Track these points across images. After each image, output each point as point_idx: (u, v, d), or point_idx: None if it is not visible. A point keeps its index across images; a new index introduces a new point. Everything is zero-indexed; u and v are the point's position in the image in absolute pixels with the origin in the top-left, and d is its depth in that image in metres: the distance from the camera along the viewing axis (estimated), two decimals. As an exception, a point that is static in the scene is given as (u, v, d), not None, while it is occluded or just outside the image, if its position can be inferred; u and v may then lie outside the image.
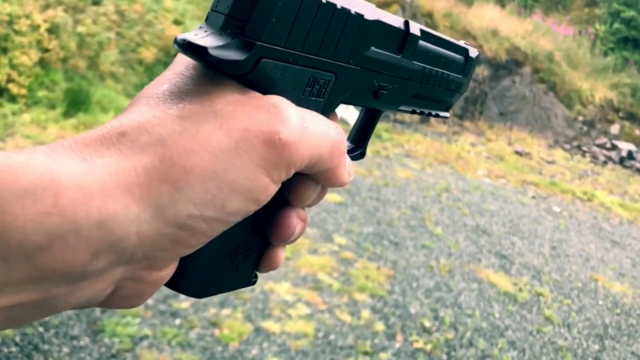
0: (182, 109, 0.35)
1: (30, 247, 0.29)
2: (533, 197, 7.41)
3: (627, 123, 12.33)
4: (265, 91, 0.38)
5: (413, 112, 0.56)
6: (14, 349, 2.59)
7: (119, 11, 7.81)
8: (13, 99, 5.93)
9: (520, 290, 4.40)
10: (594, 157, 11.01)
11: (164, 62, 8.08)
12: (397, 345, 3.27)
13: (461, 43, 0.60)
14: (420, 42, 0.50)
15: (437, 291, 4.05)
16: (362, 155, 0.56)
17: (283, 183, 0.38)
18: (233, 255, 0.44)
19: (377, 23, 0.44)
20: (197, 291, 0.42)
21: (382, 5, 10.71)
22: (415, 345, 3.30)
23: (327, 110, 0.45)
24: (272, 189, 0.36)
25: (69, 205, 0.29)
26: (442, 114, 0.61)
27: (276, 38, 0.36)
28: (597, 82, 12.71)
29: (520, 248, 5.35)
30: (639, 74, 13.41)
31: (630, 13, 14.30)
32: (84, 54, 7.01)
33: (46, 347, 2.63)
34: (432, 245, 4.87)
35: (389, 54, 0.47)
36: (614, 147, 11.49)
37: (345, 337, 3.23)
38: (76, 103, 6.21)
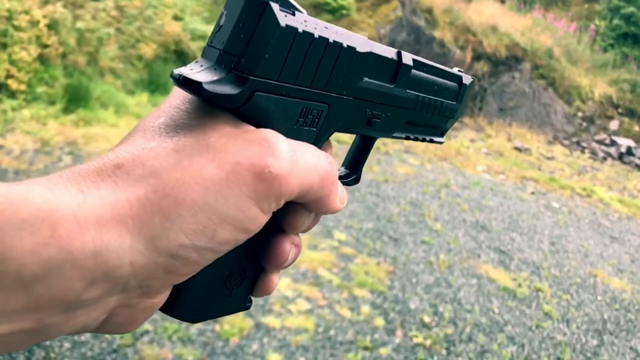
0: (176, 142, 0.36)
1: (27, 277, 0.30)
2: (532, 193, 7.42)
3: (626, 119, 12.33)
4: (258, 123, 0.39)
5: (407, 138, 0.57)
6: (15, 344, 2.60)
7: (119, 7, 7.80)
8: (12, 94, 5.93)
9: (520, 285, 4.41)
10: (593, 153, 11.02)
11: (164, 57, 8.07)
12: (397, 340, 3.28)
13: (455, 70, 0.61)
14: (413, 71, 0.51)
15: (436, 287, 4.06)
16: (356, 180, 0.56)
17: (276, 211, 0.39)
18: (227, 281, 0.45)
19: (370, 55, 0.45)
20: (191, 316, 0.43)
21: (382, 2, 10.70)
22: (415, 340, 3.31)
23: (320, 140, 0.46)
24: (263, 219, 0.37)
25: (66, 236, 0.30)
26: (436, 139, 0.62)
27: (269, 72, 0.37)
28: (596, 78, 12.70)
29: (520, 244, 5.37)
30: (639, 70, 13.40)
31: (630, 9, 14.28)
32: (83, 50, 7.00)
33: (47, 342, 2.64)
34: (432, 241, 4.88)
35: (382, 83, 0.48)
36: (613, 143, 11.49)
37: (345, 332, 3.24)
38: (76, 99, 6.20)
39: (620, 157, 11.01)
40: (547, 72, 12.14)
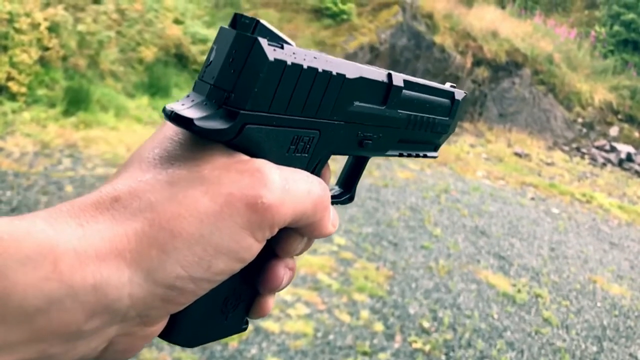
0: (171, 175, 0.36)
1: (30, 311, 0.30)
2: (532, 199, 7.42)
3: (626, 125, 12.34)
4: (250, 153, 0.39)
5: (400, 155, 0.58)
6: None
7: (120, 10, 7.81)
8: (13, 97, 5.93)
9: (519, 291, 4.41)
10: (593, 159, 11.02)
11: (164, 61, 8.08)
12: (396, 345, 3.27)
13: (447, 86, 0.61)
14: (405, 92, 0.52)
15: (436, 292, 4.06)
16: (350, 199, 0.57)
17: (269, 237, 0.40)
18: (223, 306, 0.45)
19: (360, 80, 0.46)
20: (189, 341, 0.44)
21: (383, 7, 10.72)
22: (414, 345, 3.31)
23: (312, 164, 0.46)
24: (257, 247, 0.38)
25: (67, 271, 0.31)
26: (430, 154, 0.63)
27: (259, 105, 0.38)
28: (596, 84, 12.72)
29: (519, 249, 5.36)
30: (639, 76, 13.41)
31: (630, 16, 14.32)
32: (84, 53, 7.00)
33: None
34: (431, 246, 4.88)
35: (373, 106, 0.49)
36: (613, 149, 11.50)
37: (344, 337, 3.23)
38: (76, 101, 6.21)
39: (620, 163, 11.01)
40: (548, 78, 12.15)
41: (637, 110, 12.57)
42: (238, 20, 0.37)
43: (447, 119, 0.61)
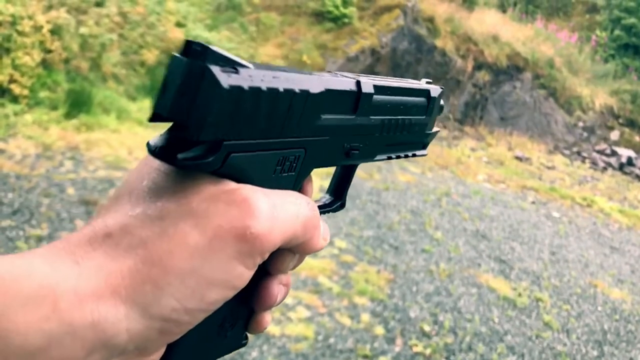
0: (160, 209, 0.37)
1: (31, 350, 0.31)
2: (533, 203, 7.42)
3: (627, 129, 12.34)
4: (237, 179, 0.40)
5: (389, 158, 0.58)
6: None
7: (122, 13, 7.83)
8: (15, 99, 5.95)
9: (520, 295, 4.41)
10: (594, 163, 11.02)
11: (166, 64, 8.09)
12: (397, 349, 3.27)
13: (422, 83, 0.61)
14: (375, 97, 0.51)
15: (436, 295, 4.06)
16: (342, 206, 0.57)
17: None
18: (220, 327, 0.46)
19: (326, 93, 0.45)
20: None
21: (384, 10, 10.75)
22: (415, 349, 3.31)
23: (300, 181, 0.47)
24: (248, 274, 0.39)
25: (66, 310, 0.32)
26: (419, 153, 0.63)
27: (222, 132, 0.38)
28: (597, 89, 12.73)
29: (520, 253, 5.36)
30: (639, 80, 13.43)
31: (631, 20, 14.34)
32: (86, 55, 7.02)
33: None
34: (432, 250, 4.88)
35: (343, 116, 0.49)
36: (613, 153, 11.50)
37: (345, 340, 3.23)
38: (78, 104, 6.22)
39: (621, 167, 11.02)
40: (548, 82, 12.17)
41: (637, 114, 12.58)
42: (189, 48, 0.37)
43: (424, 117, 0.60)
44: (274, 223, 0.39)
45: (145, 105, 7.14)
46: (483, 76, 11.72)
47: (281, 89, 0.40)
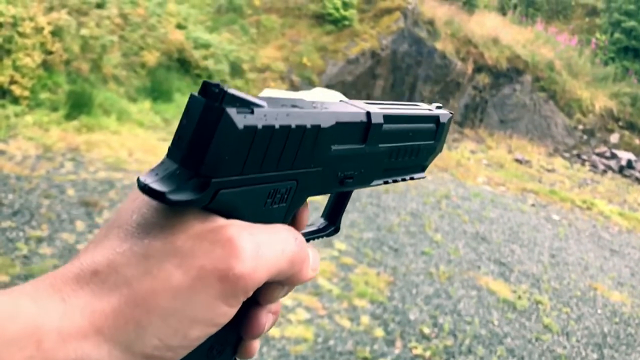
0: (147, 246, 0.38)
1: None
2: (532, 205, 7.42)
3: (626, 132, 12.35)
4: (226, 214, 0.40)
5: (385, 182, 0.58)
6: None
7: (123, 14, 7.84)
8: (16, 100, 5.95)
9: (520, 298, 4.41)
10: (594, 166, 11.03)
11: (167, 65, 8.10)
12: (396, 351, 3.27)
13: (433, 108, 0.61)
14: (385, 126, 0.52)
15: (436, 298, 4.06)
16: (336, 231, 0.58)
17: None
18: (208, 353, 0.46)
19: (336, 126, 0.46)
20: None
21: (384, 13, 10.76)
22: (415, 351, 3.31)
23: (292, 210, 0.47)
24: (232, 312, 0.40)
25: (50, 349, 0.33)
26: (416, 176, 0.63)
27: (231, 171, 0.39)
28: (597, 91, 12.74)
29: (520, 256, 5.36)
30: (639, 83, 13.44)
31: (631, 23, 14.35)
32: (87, 57, 7.03)
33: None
34: (432, 252, 4.88)
35: (352, 146, 0.50)
36: (613, 156, 11.51)
37: (344, 342, 3.23)
38: (78, 105, 6.23)
39: (621, 170, 11.02)
40: (548, 85, 12.18)
41: (637, 117, 12.59)
42: (207, 89, 0.38)
43: (432, 142, 0.61)
44: (258, 262, 0.39)
45: (145, 107, 7.15)
46: (483, 79, 11.73)
47: (293, 126, 0.42)
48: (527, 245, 5.71)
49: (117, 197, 4.52)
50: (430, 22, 11.51)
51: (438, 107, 0.62)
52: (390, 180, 0.58)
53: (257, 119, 0.39)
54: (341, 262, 4.26)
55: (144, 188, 0.37)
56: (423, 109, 0.60)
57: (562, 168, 10.41)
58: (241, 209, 0.41)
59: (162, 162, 0.39)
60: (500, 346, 3.60)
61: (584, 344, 3.93)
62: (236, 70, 9.03)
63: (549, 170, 9.99)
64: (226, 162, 0.38)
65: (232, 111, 0.37)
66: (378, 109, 0.52)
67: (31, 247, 3.52)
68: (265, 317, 0.47)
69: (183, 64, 8.40)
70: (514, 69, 11.98)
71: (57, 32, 6.67)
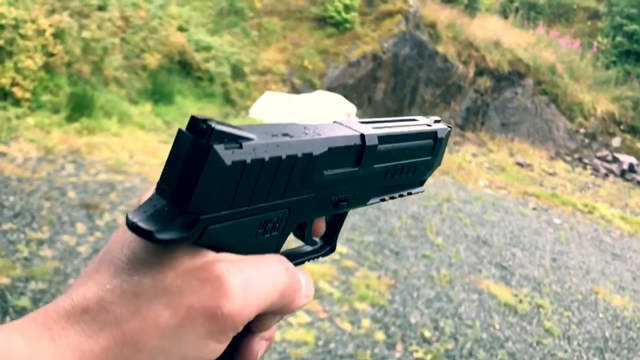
0: (136, 284, 0.38)
1: None
2: (534, 209, 7.41)
3: (628, 136, 12.34)
4: (216, 248, 0.40)
5: (382, 200, 0.57)
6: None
7: (124, 17, 7.86)
8: (17, 102, 5.96)
9: (521, 301, 4.39)
10: (595, 170, 11.01)
11: (168, 68, 8.11)
12: (397, 355, 3.26)
13: (431, 123, 0.59)
14: (380, 146, 0.51)
15: (437, 301, 4.05)
16: (332, 250, 0.57)
17: None
18: None
19: (329, 152, 0.46)
20: None
21: (386, 16, 10.77)
22: (415, 355, 3.30)
23: (284, 238, 0.47)
24: (221, 347, 0.40)
25: None
26: (415, 190, 0.62)
27: (220, 206, 0.38)
28: (599, 95, 12.74)
29: (521, 259, 5.35)
30: (641, 87, 13.44)
31: (633, 27, 14.36)
32: (88, 59, 7.04)
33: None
34: (433, 255, 4.87)
35: (346, 170, 0.49)
36: (615, 160, 11.50)
37: (345, 346, 3.22)
38: (80, 107, 6.23)
39: (622, 174, 11.00)
40: (550, 88, 12.18)
41: (639, 121, 12.58)
42: (194, 124, 0.37)
43: (429, 158, 0.60)
44: (248, 299, 0.39)
45: (146, 109, 7.15)
46: (484, 82, 11.74)
47: (284, 157, 0.41)
48: (529, 249, 5.69)
49: (118, 200, 4.52)
50: (432, 25, 11.52)
51: (436, 121, 0.60)
52: (387, 197, 0.57)
53: (245, 153, 0.38)
54: (342, 265, 4.25)
55: (132, 226, 0.37)
56: (421, 124, 0.58)
57: (563, 172, 10.40)
58: (231, 242, 0.41)
59: (151, 199, 0.39)
60: (501, 350, 3.59)
61: (585, 348, 3.91)
62: (237, 73, 9.04)
63: (550, 174, 9.98)
64: (214, 198, 0.38)
65: (219, 148, 0.37)
66: (372, 130, 0.51)
67: (32, 249, 3.52)
68: (257, 344, 0.47)
69: (184, 66, 8.41)
70: (515, 72, 11.98)
71: (58, 35, 6.68)
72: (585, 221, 7.43)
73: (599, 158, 11.68)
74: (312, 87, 9.60)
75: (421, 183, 0.62)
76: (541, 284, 4.86)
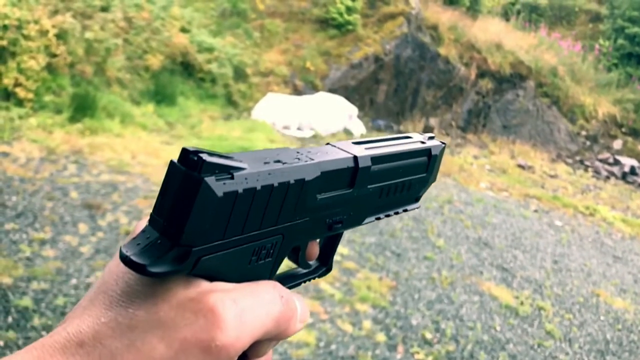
0: (131, 317, 0.39)
1: None
2: (535, 211, 7.41)
3: (629, 138, 12.34)
4: (210, 278, 0.40)
5: (378, 219, 0.57)
6: (17, 352, 2.60)
7: (127, 18, 7.87)
8: (20, 102, 5.98)
9: (522, 303, 4.40)
10: (597, 172, 11.01)
11: (170, 69, 8.12)
12: (398, 356, 3.27)
13: (425, 139, 0.60)
14: (374, 167, 0.51)
15: (438, 303, 4.05)
16: (327, 271, 0.57)
17: None
18: None
19: (321, 175, 0.46)
20: None
21: (388, 18, 10.78)
22: (416, 356, 3.30)
23: (279, 263, 0.47)
24: None
25: None
26: (410, 207, 0.62)
27: (213, 237, 0.39)
28: (600, 98, 12.73)
29: (522, 261, 5.35)
30: (643, 90, 13.43)
31: (635, 29, 14.36)
32: (91, 60, 7.06)
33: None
34: (434, 257, 4.88)
35: (340, 192, 0.49)
36: (616, 163, 11.49)
37: (346, 347, 3.23)
38: (82, 108, 6.25)
39: (624, 176, 11.00)
40: (551, 91, 12.18)
41: (641, 123, 12.58)
42: (186, 157, 0.37)
43: (424, 175, 0.60)
44: (242, 330, 0.39)
45: (149, 110, 7.17)
46: (486, 84, 11.74)
47: (276, 184, 0.41)
48: (530, 251, 5.69)
49: (120, 200, 4.53)
50: (434, 27, 11.53)
51: (430, 138, 0.61)
52: (382, 216, 0.57)
53: (237, 184, 0.38)
54: (343, 267, 4.26)
55: (126, 260, 0.38)
56: (414, 141, 0.59)
57: (565, 174, 10.39)
58: (225, 271, 0.41)
59: (144, 231, 0.39)
60: (502, 352, 3.59)
61: (586, 351, 3.92)
62: (240, 74, 9.05)
63: (551, 176, 9.98)
64: (207, 229, 0.38)
65: (210, 180, 0.37)
66: (365, 151, 0.51)
67: (34, 249, 3.53)
68: None
69: (187, 67, 8.42)
70: (517, 74, 11.99)
71: (61, 35, 6.69)
72: (587, 223, 7.42)
73: (601, 160, 11.67)
74: (314, 89, 9.61)
75: (416, 199, 0.62)
76: (542, 286, 4.86)
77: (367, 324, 3.53)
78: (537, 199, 8.06)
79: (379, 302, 3.83)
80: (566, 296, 4.79)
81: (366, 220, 0.56)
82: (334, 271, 4.14)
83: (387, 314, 3.72)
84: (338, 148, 0.50)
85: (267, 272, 0.45)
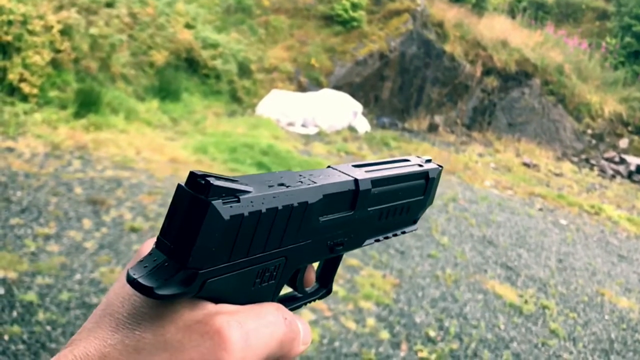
0: (137, 339, 0.39)
1: None
2: (540, 209, 7.38)
3: (636, 137, 12.27)
4: (215, 300, 0.41)
5: (377, 241, 0.58)
6: (21, 346, 2.61)
7: (132, 14, 7.87)
8: (25, 98, 5.99)
9: (526, 302, 4.38)
10: (602, 171, 10.96)
11: (175, 65, 8.12)
12: (402, 354, 3.26)
13: (422, 162, 0.61)
14: (374, 190, 0.52)
15: (442, 301, 4.04)
16: (328, 293, 0.58)
17: None
18: None
19: (323, 199, 0.47)
20: None
21: (393, 15, 10.75)
22: (420, 354, 3.29)
23: (282, 285, 0.48)
24: None
25: None
26: (408, 229, 0.63)
27: (219, 259, 0.39)
28: (606, 96, 12.67)
29: (527, 260, 5.33)
30: (649, 88, 13.36)
31: (642, 27, 14.27)
32: (95, 56, 7.06)
33: (53, 345, 2.64)
34: (438, 255, 4.86)
35: (341, 214, 0.50)
36: (622, 161, 11.44)
37: (350, 344, 3.22)
38: (87, 104, 6.25)
39: (630, 175, 10.95)
40: (557, 89, 12.13)
41: (647, 122, 12.51)
42: (193, 180, 0.38)
43: (422, 197, 0.61)
44: (247, 352, 0.40)
45: (153, 106, 7.17)
46: (492, 82, 11.70)
47: (280, 207, 0.42)
48: (534, 250, 5.68)
49: (124, 196, 4.53)
50: (439, 24, 11.49)
51: (427, 161, 0.62)
52: (381, 238, 0.58)
53: (243, 207, 0.39)
54: (347, 264, 4.25)
55: (133, 282, 0.38)
56: (412, 164, 0.60)
57: (570, 172, 10.35)
58: (230, 293, 0.42)
59: (151, 254, 0.40)
60: (506, 350, 3.58)
61: (590, 350, 3.90)
62: (244, 70, 9.04)
63: (557, 175, 9.94)
64: (213, 252, 0.39)
65: (217, 203, 0.37)
66: (366, 174, 0.52)
67: (39, 244, 3.53)
68: None
69: (191, 63, 8.42)
70: (522, 72, 11.94)
71: (66, 31, 6.70)
72: (592, 222, 7.39)
73: (606, 159, 11.62)
74: (318, 86, 9.60)
75: (414, 222, 0.63)
76: (547, 285, 4.84)
77: (370, 321, 3.53)
78: (542, 198, 8.03)
79: (382, 300, 3.83)
80: (571, 295, 4.77)
81: (366, 242, 0.57)
82: (338, 268, 4.13)
83: (391, 312, 3.71)
84: (339, 171, 0.52)
85: (270, 294, 0.46)
